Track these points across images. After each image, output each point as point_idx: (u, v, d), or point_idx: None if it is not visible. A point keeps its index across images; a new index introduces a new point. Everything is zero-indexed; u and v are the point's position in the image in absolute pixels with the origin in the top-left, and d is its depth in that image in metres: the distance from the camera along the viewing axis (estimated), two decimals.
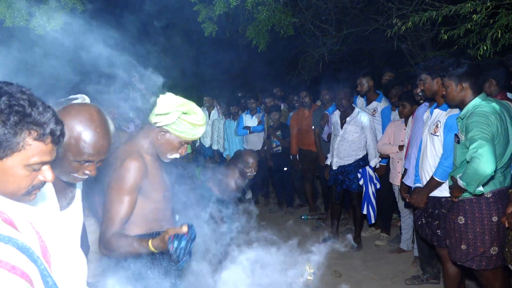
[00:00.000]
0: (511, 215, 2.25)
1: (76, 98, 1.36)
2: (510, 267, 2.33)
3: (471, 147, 2.30)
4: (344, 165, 4.47)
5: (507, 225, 2.28)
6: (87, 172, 1.33)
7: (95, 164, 1.34)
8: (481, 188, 2.37)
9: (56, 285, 0.89)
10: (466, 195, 2.48)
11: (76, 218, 1.42)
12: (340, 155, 4.48)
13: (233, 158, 4.04)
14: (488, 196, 2.44)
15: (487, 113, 2.34)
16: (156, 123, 1.80)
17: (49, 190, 1.26)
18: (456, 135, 2.57)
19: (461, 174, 2.40)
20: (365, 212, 4.43)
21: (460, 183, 2.38)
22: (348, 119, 4.44)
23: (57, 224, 1.23)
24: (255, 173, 3.69)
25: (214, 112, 6.91)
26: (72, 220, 1.40)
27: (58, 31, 3.66)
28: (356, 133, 4.39)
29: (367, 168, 4.42)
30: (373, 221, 4.50)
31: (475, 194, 2.43)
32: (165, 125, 1.80)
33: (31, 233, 0.93)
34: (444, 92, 2.57)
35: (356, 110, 4.47)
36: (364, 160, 4.43)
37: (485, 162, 2.21)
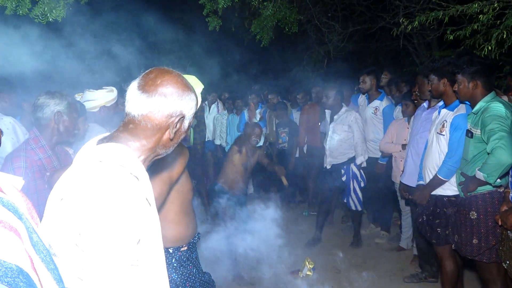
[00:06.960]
0: (505, 213, 2.28)
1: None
2: (503, 265, 2.36)
3: (492, 138, 2.35)
4: (338, 163, 4.48)
5: (500, 223, 2.31)
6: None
7: None
8: (499, 180, 2.41)
9: (41, 241, 0.91)
10: (479, 190, 2.52)
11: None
12: (333, 154, 4.49)
13: (240, 136, 4.41)
14: (501, 190, 2.49)
15: (502, 108, 2.43)
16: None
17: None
18: (468, 130, 2.61)
19: (480, 167, 2.43)
20: (345, 200, 4.54)
21: (480, 175, 2.41)
22: (335, 117, 4.46)
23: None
24: (259, 140, 4.01)
25: (214, 107, 6.90)
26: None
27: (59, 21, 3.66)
28: (344, 132, 4.39)
29: (352, 165, 4.42)
30: (359, 208, 4.50)
31: (490, 188, 2.48)
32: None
33: (16, 195, 0.95)
34: (456, 89, 2.63)
35: (343, 109, 4.45)
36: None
37: (508, 152, 2.28)
